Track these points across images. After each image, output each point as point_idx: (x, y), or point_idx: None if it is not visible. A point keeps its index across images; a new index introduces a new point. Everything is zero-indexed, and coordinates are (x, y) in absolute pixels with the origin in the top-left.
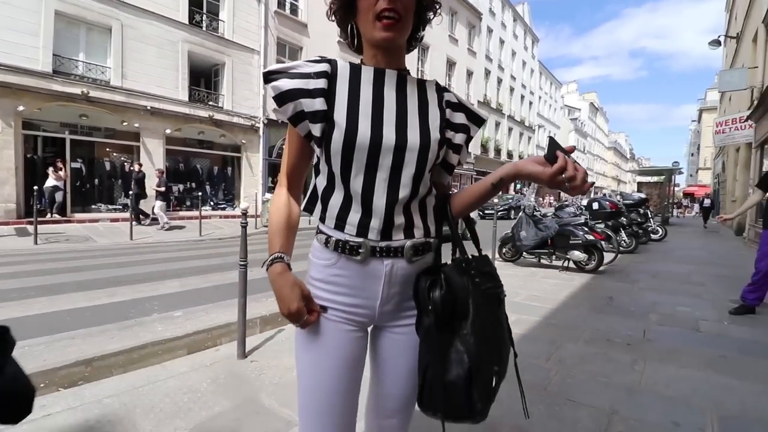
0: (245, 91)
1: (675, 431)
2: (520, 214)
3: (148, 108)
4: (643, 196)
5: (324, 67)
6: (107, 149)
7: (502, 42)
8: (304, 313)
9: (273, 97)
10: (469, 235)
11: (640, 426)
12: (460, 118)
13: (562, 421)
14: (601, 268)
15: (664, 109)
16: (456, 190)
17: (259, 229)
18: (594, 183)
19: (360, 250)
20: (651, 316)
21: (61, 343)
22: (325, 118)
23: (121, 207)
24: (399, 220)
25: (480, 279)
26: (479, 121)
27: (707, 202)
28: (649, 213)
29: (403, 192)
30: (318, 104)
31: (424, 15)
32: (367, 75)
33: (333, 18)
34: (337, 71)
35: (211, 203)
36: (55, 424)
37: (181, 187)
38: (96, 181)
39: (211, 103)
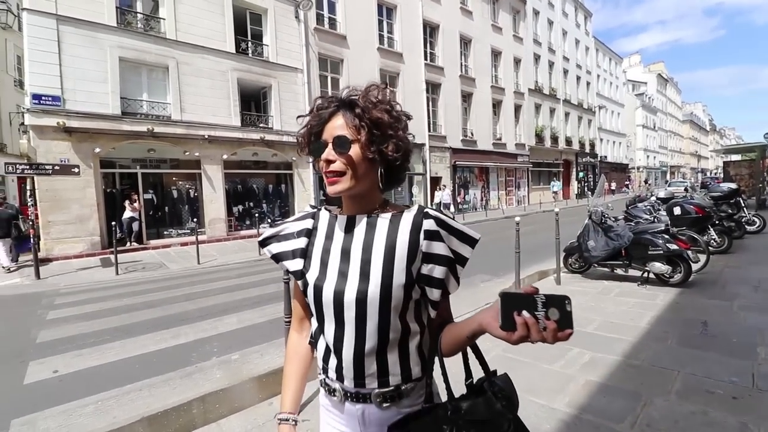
0: (292, 110)
1: None
2: (586, 221)
3: (206, 137)
4: (733, 186)
5: (307, 224)
6: (173, 178)
7: (550, 23)
8: None
9: (270, 257)
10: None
11: None
12: (440, 248)
13: None
14: (689, 279)
15: (749, 70)
16: (449, 324)
17: None
18: (571, 333)
19: (335, 394)
20: (759, 351)
21: (129, 396)
22: (303, 275)
23: (188, 231)
24: (371, 369)
25: (467, 429)
26: (472, 242)
27: None
28: (741, 201)
29: (369, 343)
30: (296, 265)
31: (388, 149)
32: (340, 224)
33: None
34: (317, 224)
35: (269, 220)
36: None
37: (241, 207)
38: (166, 208)
39: (261, 125)
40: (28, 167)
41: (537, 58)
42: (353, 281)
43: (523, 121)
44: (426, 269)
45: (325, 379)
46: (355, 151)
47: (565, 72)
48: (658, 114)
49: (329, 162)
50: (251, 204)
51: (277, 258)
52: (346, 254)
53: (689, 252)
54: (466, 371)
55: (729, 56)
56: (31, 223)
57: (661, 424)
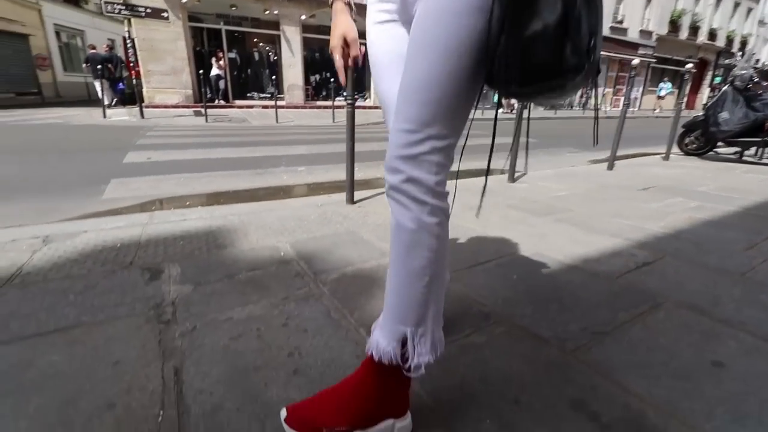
0: None
1: None
2: (725, 87)
3: None
4: None
5: None
6: (254, 39)
7: None
8: (338, 50)
9: None
10: None
11: None
12: None
13: (766, 310)
14: None
15: None
16: None
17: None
18: None
19: None
20: None
21: (207, 178)
22: None
23: (269, 95)
24: None
25: None
26: None
27: None
28: None
29: None
30: None
31: None
32: None
33: None
34: None
35: (344, 94)
36: (187, 225)
37: (318, 77)
38: (248, 71)
39: None
40: (123, 7)
41: None
42: None
43: (656, 1)
44: None
45: None
46: None
47: None
48: None
49: None
50: (328, 74)
51: None
52: None
53: None
54: None
55: None
56: (132, 63)
57: None
